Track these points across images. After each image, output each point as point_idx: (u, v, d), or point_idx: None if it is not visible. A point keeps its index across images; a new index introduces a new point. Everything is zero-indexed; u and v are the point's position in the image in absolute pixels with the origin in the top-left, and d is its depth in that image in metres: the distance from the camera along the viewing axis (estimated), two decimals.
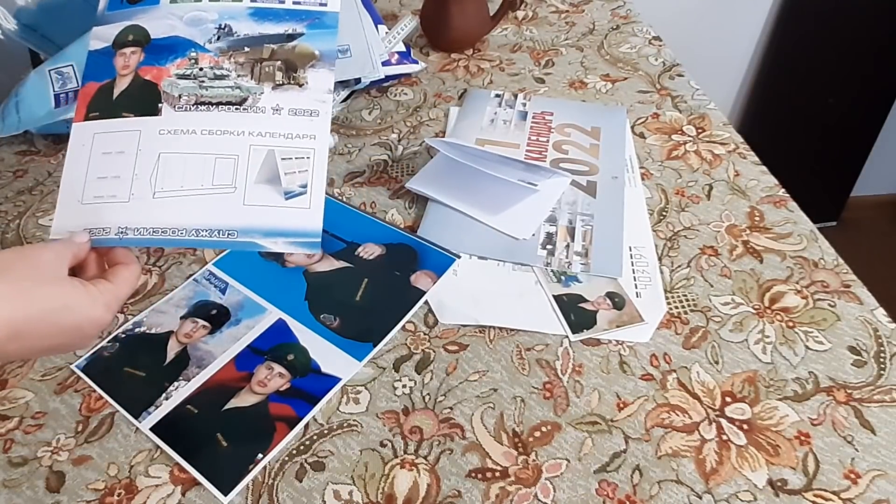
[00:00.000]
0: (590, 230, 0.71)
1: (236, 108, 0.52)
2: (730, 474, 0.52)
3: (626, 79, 0.94)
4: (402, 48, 0.94)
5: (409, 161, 0.82)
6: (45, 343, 0.43)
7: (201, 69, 0.53)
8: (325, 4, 0.55)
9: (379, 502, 0.52)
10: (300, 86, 0.53)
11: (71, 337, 0.44)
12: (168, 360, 0.61)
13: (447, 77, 0.96)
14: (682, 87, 0.92)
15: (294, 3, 0.55)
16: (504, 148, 0.81)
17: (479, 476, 0.53)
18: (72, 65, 0.84)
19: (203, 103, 0.52)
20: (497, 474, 0.53)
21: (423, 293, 0.66)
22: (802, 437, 0.54)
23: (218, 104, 0.52)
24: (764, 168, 0.78)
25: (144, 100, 0.52)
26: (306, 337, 0.62)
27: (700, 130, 0.84)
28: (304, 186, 0.51)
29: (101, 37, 0.54)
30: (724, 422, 0.55)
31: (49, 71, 0.83)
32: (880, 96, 1.69)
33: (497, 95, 0.90)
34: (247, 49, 0.53)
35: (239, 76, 0.53)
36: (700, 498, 0.51)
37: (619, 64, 0.97)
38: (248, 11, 0.55)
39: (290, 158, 0.51)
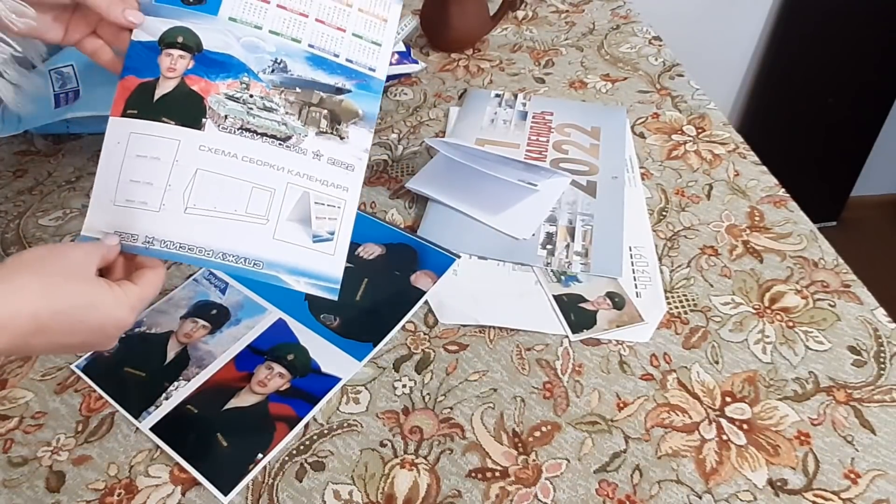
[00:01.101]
0: (590, 230, 0.71)
1: (280, 144, 0.52)
2: (730, 474, 0.52)
3: (626, 79, 0.94)
4: (402, 48, 0.94)
5: (409, 161, 0.82)
6: (68, 339, 0.44)
7: (251, 96, 0.52)
8: (374, 70, 0.56)
9: (379, 502, 0.52)
10: (341, 138, 0.54)
11: (94, 335, 0.45)
12: (168, 360, 0.61)
13: (447, 77, 0.96)
14: (682, 87, 0.92)
15: (347, 60, 0.55)
16: (504, 148, 0.81)
17: (479, 476, 0.53)
18: (72, 65, 0.84)
19: (248, 130, 0.52)
20: (497, 474, 0.53)
21: (423, 293, 0.66)
22: (802, 437, 0.54)
23: (263, 135, 0.52)
24: (764, 168, 0.78)
25: (188, 110, 0.51)
26: (306, 337, 0.62)
27: (700, 130, 0.84)
28: (332, 234, 0.53)
29: (147, 28, 0.52)
30: (724, 422, 0.55)
31: (49, 71, 0.83)
32: (880, 96, 1.69)
33: (497, 95, 0.90)
34: (298, 90, 0.54)
35: (287, 113, 0.53)
36: (700, 498, 0.51)
37: (619, 64, 0.97)
38: (306, 55, 0.54)
39: (323, 204, 0.53)
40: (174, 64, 0.52)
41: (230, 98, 0.52)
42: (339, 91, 0.55)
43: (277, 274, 0.51)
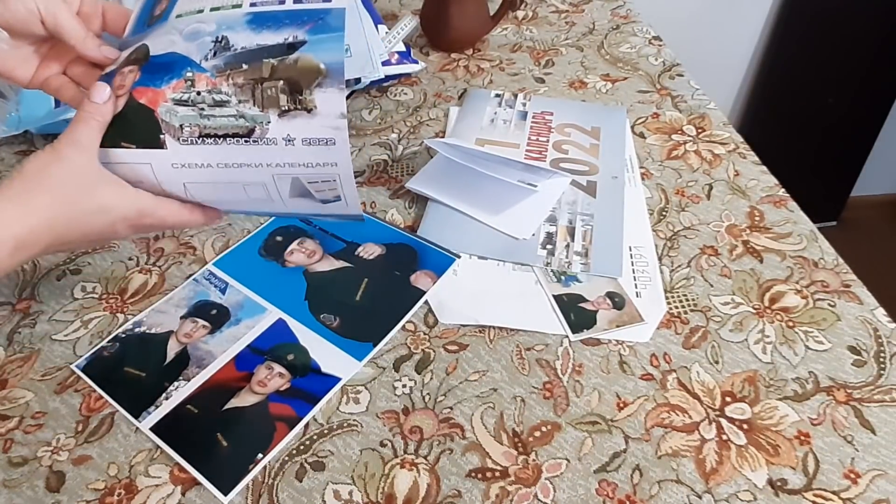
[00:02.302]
0: (590, 230, 0.71)
1: (245, 141, 0.46)
2: (730, 474, 0.52)
3: (626, 79, 0.94)
4: (402, 48, 0.94)
5: (409, 161, 0.82)
6: (83, 240, 0.47)
7: (199, 93, 0.46)
8: (330, 0, 0.47)
9: (379, 502, 0.52)
10: (308, 111, 0.45)
11: (106, 234, 0.47)
12: (168, 360, 0.61)
13: (447, 77, 0.96)
14: (682, 86, 0.92)
15: (295, 1, 0.48)
16: (504, 148, 0.81)
17: (479, 476, 0.53)
18: None
19: (209, 136, 0.46)
20: (497, 474, 0.53)
21: (423, 293, 0.66)
22: (802, 437, 0.54)
23: (224, 136, 0.46)
24: (764, 168, 0.78)
25: (143, 128, 0.47)
26: (306, 337, 0.62)
27: (700, 130, 0.84)
28: (338, 197, 0.49)
29: (116, 62, 0.50)
30: (724, 422, 0.55)
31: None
32: (880, 96, 1.69)
33: (497, 95, 0.90)
34: (245, 66, 0.46)
35: (240, 101, 0.46)
36: (700, 498, 0.51)
37: (619, 64, 0.97)
38: (246, 18, 0.47)
39: (317, 181, 0.48)
40: (123, 80, 0.47)
41: (178, 103, 0.46)
42: (292, 48, 0.46)
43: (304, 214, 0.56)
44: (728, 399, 0.57)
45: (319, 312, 0.64)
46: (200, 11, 0.49)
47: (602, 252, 0.68)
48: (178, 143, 0.46)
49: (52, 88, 0.51)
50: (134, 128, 0.47)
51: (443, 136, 0.85)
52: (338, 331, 0.63)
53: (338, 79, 0.45)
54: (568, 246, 0.69)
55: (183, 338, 0.63)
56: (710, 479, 0.52)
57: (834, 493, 0.51)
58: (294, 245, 0.71)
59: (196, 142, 0.46)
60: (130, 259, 0.71)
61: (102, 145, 0.47)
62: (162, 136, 0.47)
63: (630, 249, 0.69)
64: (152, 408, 0.57)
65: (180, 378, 0.59)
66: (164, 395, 0.58)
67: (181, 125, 0.46)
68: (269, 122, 0.46)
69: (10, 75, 0.50)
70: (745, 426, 0.55)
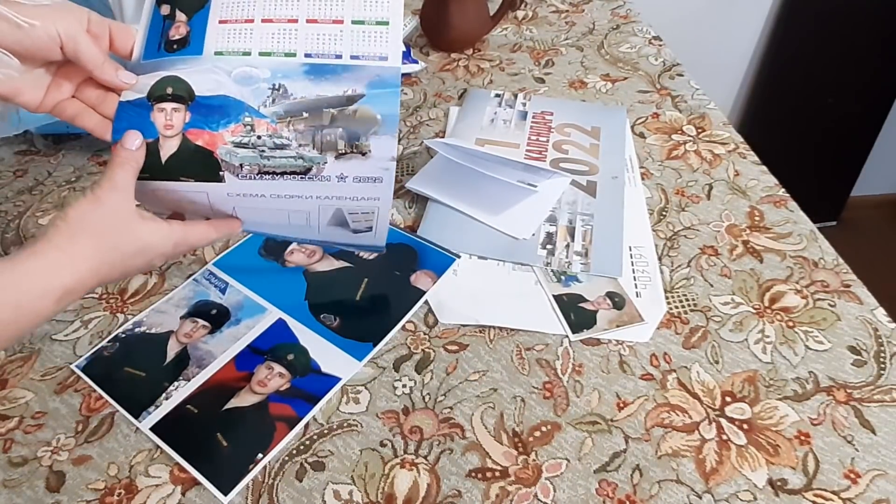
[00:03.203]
0: (590, 230, 0.71)
1: (301, 178, 0.50)
2: (730, 474, 0.52)
3: (626, 79, 0.94)
4: (402, 48, 0.94)
5: (409, 161, 0.82)
6: (121, 278, 0.49)
7: (259, 137, 0.49)
8: (386, 58, 0.50)
9: (379, 502, 0.52)
10: (363, 154, 0.49)
11: (142, 268, 0.50)
12: (168, 360, 0.61)
13: (447, 77, 0.96)
14: (682, 86, 0.92)
15: (352, 57, 0.50)
16: (504, 148, 0.81)
17: (479, 476, 0.53)
18: None
19: (267, 173, 0.49)
20: (497, 474, 0.53)
21: (423, 293, 0.66)
22: (802, 437, 0.54)
23: (283, 174, 0.50)
24: (764, 168, 0.78)
25: (202, 166, 0.49)
26: (306, 337, 0.62)
27: (700, 130, 0.84)
28: (370, 228, 0.55)
29: (135, 87, 0.49)
30: (724, 421, 0.55)
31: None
32: (880, 96, 1.69)
33: (497, 95, 0.90)
34: (305, 115, 0.49)
35: (300, 145, 0.49)
36: (700, 498, 0.51)
37: (619, 64, 0.97)
38: (304, 69, 0.49)
39: (357, 213, 0.53)
40: (170, 119, 0.48)
41: (239, 146, 0.49)
42: (351, 100, 0.49)
43: (331, 242, 0.59)
44: (728, 399, 0.57)
45: (319, 312, 0.64)
46: (247, 54, 0.50)
47: (602, 252, 0.68)
48: (237, 178, 0.49)
49: (68, 115, 0.50)
50: (193, 166, 0.49)
51: (443, 136, 0.85)
52: (338, 331, 0.63)
53: (391, 127, 0.49)
54: (568, 246, 0.69)
55: (183, 338, 0.63)
56: (710, 479, 0.52)
57: (834, 493, 0.51)
58: (294, 245, 0.71)
59: (254, 178, 0.50)
60: None
61: (158, 179, 0.49)
62: (221, 173, 0.49)
63: (630, 249, 0.69)
64: (152, 408, 0.57)
65: (180, 378, 0.59)
66: (164, 395, 0.58)
67: (241, 164, 0.49)
68: (325, 163, 0.50)
69: (18, 100, 0.48)
70: (745, 426, 0.55)
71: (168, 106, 0.49)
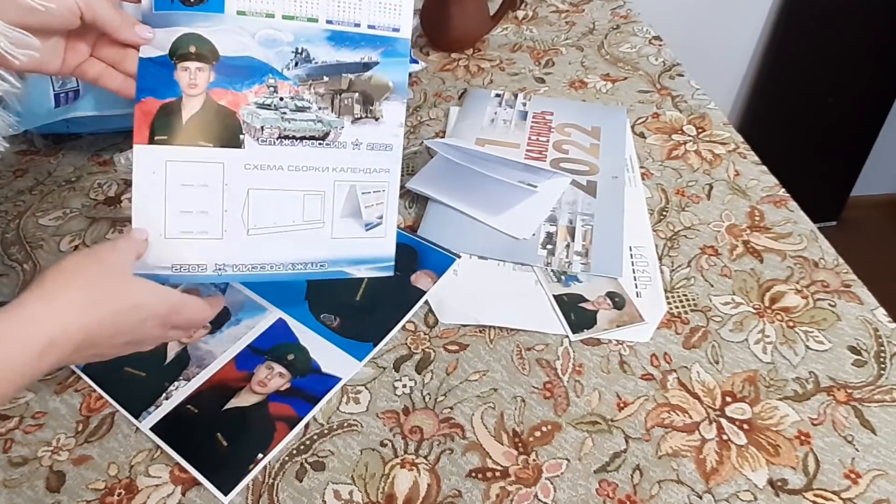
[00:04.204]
0: (590, 230, 0.71)
1: (319, 143, 0.52)
2: (730, 474, 0.52)
3: (626, 78, 0.94)
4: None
5: (409, 161, 0.82)
6: (114, 341, 0.45)
7: (282, 99, 0.51)
8: (398, 30, 0.53)
9: (379, 502, 0.52)
10: (376, 119, 0.53)
11: (136, 336, 0.46)
12: (168, 359, 0.61)
13: (447, 77, 0.96)
14: (682, 86, 0.92)
15: (369, 26, 0.52)
16: (504, 148, 0.81)
17: (480, 476, 0.53)
18: None
19: (286, 137, 0.51)
20: (497, 474, 0.53)
21: (423, 293, 0.66)
22: (803, 437, 0.54)
23: (301, 138, 0.51)
24: (764, 168, 0.78)
25: (223, 129, 0.49)
26: (306, 337, 0.62)
27: (700, 130, 0.84)
28: (381, 217, 0.55)
29: (153, 42, 0.48)
30: (724, 421, 0.55)
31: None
32: (880, 96, 1.69)
33: (497, 95, 0.90)
34: (326, 79, 0.52)
35: (320, 108, 0.52)
36: (700, 498, 0.51)
37: (619, 64, 0.97)
38: (326, 35, 0.51)
39: (369, 192, 0.54)
40: (194, 79, 0.49)
41: (262, 107, 0.50)
42: (367, 66, 0.53)
43: (342, 269, 0.54)
44: (728, 399, 0.57)
45: (319, 312, 0.64)
46: (271, 16, 0.50)
47: (602, 252, 0.68)
48: (257, 144, 0.50)
49: (91, 77, 0.49)
50: (214, 128, 0.49)
51: (443, 136, 0.85)
52: (338, 331, 0.63)
53: (401, 94, 0.54)
54: (568, 246, 0.69)
55: (183, 338, 0.63)
56: (710, 479, 0.52)
57: (834, 493, 0.51)
58: None
59: (274, 143, 0.50)
60: None
61: (179, 143, 0.48)
62: (242, 136, 0.50)
63: (630, 249, 0.69)
64: (152, 408, 0.57)
65: (180, 378, 0.59)
66: (164, 394, 0.58)
67: (262, 127, 0.50)
68: (342, 127, 0.52)
69: (40, 70, 0.48)
70: (745, 426, 0.55)
71: (192, 65, 0.49)
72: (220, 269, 0.50)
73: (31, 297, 0.41)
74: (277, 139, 0.50)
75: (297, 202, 0.52)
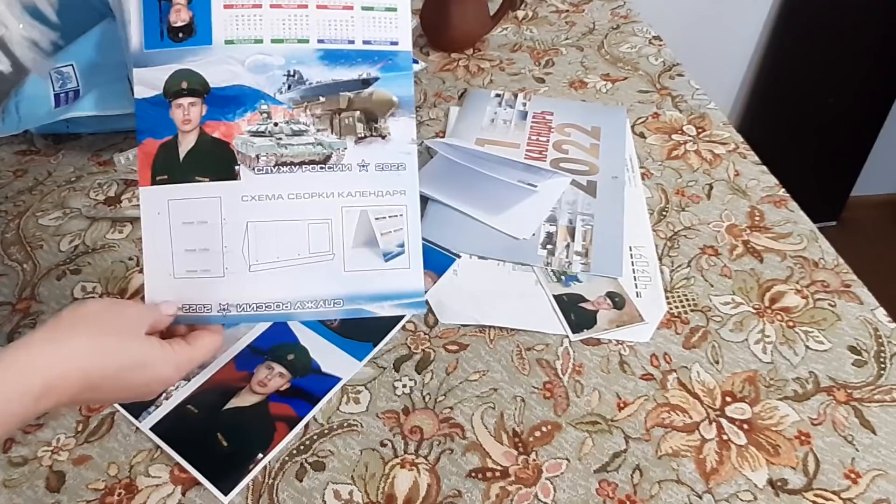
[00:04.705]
0: (590, 230, 0.71)
1: (321, 168, 0.49)
2: (730, 474, 0.52)
3: (626, 78, 0.94)
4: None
5: None
6: (114, 395, 0.46)
7: (276, 124, 0.48)
8: (397, 43, 0.50)
9: (379, 502, 0.52)
10: (383, 137, 0.50)
11: (138, 391, 0.45)
12: None
13: (447, 77, 0.96)
14: (682, 86, 0.92)
15: (364, 42, 0.50)
16: (504, 148, 0.81)
17: (480, 476, 0.53)
18: (72, 65, 0.84)
19: (285, 164, 0.48)
20: (497, 474, 0.53)
21: None
22: (803, 437, 0.54)
23: (301, 164, 0.48)
24: (764, 168, 0.78)
25: (217, 161, 0.48)
26: (306, 337, 0.62)
27: (700, 130, 0.84)
28: (402, 246, 0.50)
29: (146, 82, 0.48)
30: (724, 421, 0.55)
31: (49, 71, 0.83)
32: (880, 96, 1.69)
33: (497, 95, 0.90)
34: (322, 99, 0.49)
35: (318, 130, 0.49)
36: (700, 498, 0.51)
37: (619, 64, 0.97)
38: (318, 54, 0.49)
39: (384, 217, 0.50)
40: (187, 114, 0.48)
41: (255, 134, 0.48)
42: (366, 83, 0.50)
43: (360, 306, 0.49)
44: (728, 399, 0.57)
45: None
46: (259, 41, 0.49)
47: (602, 252, 0.68)
48: (253, 173, 0.48)
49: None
50: (208, 161, 0.48)
51: (443, 136, 0.85)
52: (338, 331, 0.63)
53: (408, 109, 0.50)
54: (568, 246, 0.69)
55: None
56: (710, 479, 0.52)
57: (834, 493, 0.51)
58: None
59: (272, 171, 0.48)
60: (130, 259, 0.71)
61: (177, 181, 0.48)
62: (236, 168, 0.48)
63: (630, 249, 0.69)
64: (152, 408, 0.57)
65: None
66: (163, 394, 0.58)
67: (257, 155, 0.48)
68: (345, 149, 0.49)
69: None
70: (745, 426, 0.55)
71: (185, 101, 0.48)
72: (224, 310, 0.48)
73: (40, 337, 0.41)
74: (275, 167, 0.48)
75: (302, 232, 0.49)
